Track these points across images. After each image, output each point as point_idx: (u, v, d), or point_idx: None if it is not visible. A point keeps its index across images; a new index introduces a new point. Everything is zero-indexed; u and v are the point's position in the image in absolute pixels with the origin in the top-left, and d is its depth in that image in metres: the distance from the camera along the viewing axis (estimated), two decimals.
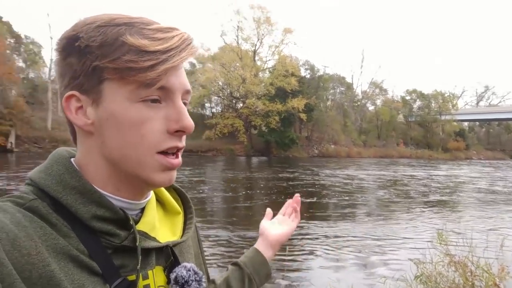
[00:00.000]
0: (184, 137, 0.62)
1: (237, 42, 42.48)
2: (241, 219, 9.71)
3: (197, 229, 0.84)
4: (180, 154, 0.62)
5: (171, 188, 0.77)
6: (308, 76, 46.92)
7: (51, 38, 34.14)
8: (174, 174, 0.62)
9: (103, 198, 0.58)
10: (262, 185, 16.06)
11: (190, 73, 40.47)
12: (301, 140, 41.74)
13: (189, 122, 0.59)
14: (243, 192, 13.98)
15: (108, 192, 0.60)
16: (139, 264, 0.59)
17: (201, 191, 13.65)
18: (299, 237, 7.37)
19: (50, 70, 34.08)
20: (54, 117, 31.06)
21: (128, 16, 0.59)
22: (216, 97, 42.69)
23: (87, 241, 0.56)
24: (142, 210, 0.65)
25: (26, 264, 0.49)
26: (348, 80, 55.87)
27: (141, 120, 0.57)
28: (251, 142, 38.48)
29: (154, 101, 0.57)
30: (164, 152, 0.59)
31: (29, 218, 0.53)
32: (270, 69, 42.72)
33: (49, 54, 34.96)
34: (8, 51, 30.14)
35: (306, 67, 48.13)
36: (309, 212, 10.12)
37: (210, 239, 7.30)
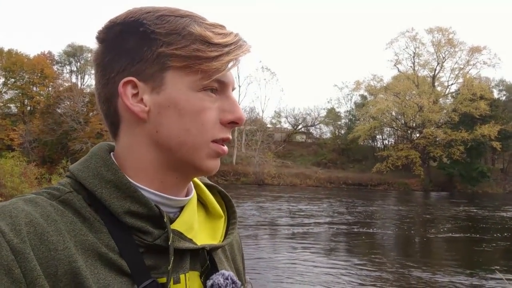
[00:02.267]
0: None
1: (413, 69, 40.31)
2: (414, 257, 9.09)
3: (241, 243, 0.83)
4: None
5: (215, 191, 0.75)
6: (503, 98, 40.46)
7: (239, 86, 39.92)
8: (219, 162, 0.63)
9: (138, 192, 0.57)
10: (444, 224, 14.48)
11: (360, 106, 40.31)
12: (494, 173, 35.72)
13: (243, 114, 0.62)
14: (418, 229, 12.92)
15: (148, 186, 0.60)
16: (170, 265, 0.56)
17: (370, 224, 13.32)
18: None
19: None
20: (238, 153, 35.74)
21: (186, 10, 0.62)
22: (388, 128, 40.91)
23: (119, 237, 0.55)
24: (182, 209, 0.64)
25: (52, 259, 0.48)
26: None
27: (202, 109, 0.58)
28: (429, 175, 35.02)
29: (213, 91, 0.60)
30: (220, 141, 0.61)
31: (61, 211, 0.53)
32: (453, 94, 38.76)
33: (237, 100, 40.64)
34: None
35: (501, 87, 41.80)
36: (505, 263, 8.70)
37: (368, 274, 7.15)
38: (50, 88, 39.60)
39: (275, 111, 46.42)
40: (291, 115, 45.82)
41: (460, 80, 38.74)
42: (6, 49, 35.61)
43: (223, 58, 0.58)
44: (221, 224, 0.70)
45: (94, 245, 0.53)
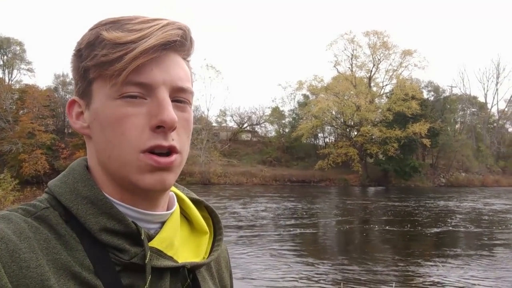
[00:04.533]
0: (172, 135, 0.56)
1: (351, 70, 42.14)
2: (356, 250, 9.55)
3: (229, 259, 0.80)
4: (175, 156, 0.57)
5: (202, 206, 0.72)
6: (431, 98, 43.68)
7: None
8: (168, 176, 0.56)
9: (114, 209, 0.55)
10: (378, 215, 15.38)
11: (303, 105, 41.47)
12: (424, 168, 38.46)
13: (168, 116, 0.54)
14: (357, 223, 13.61)
15: (122, 201, 0.57)
16: (147, 285, 0.54)
17: (314, 220, 13.78)
18: (429, 278, 6.99)
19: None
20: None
21: (124, 16, 0.58)
22: (329, 127, 42.56)
23: (95, 256, 0.53)
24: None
25: (23, 277, 0.46)
26: (481, 99, 49.87)
27: (120, 117, 0.54)
28: (367, 171, 36.97)
29: (133, 96, 0.54)
30: (151, 153, 0.55)
31: (35, 228, 0.51)
32: (388, 94, 41.02)
33: None
34: None
35: (429, 88, 44.94)
36: (437, 249, 9.41)
37: (315, 269, 7.39)
38: None
39: (220, 110, 46.05)
40: (237, 113, 45.83)
41: (394, 81, 40.76)
42: None
43: (125, 57, 0.53)
44: (206, 240, 0.68)
45: (67, 264, 0.50)
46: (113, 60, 0.53)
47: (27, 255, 0.48)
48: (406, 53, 40.53)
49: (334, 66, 42.60)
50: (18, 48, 38.91)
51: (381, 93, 42.52)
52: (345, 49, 42.04)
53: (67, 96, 36.51)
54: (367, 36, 41.25)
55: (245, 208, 17.33)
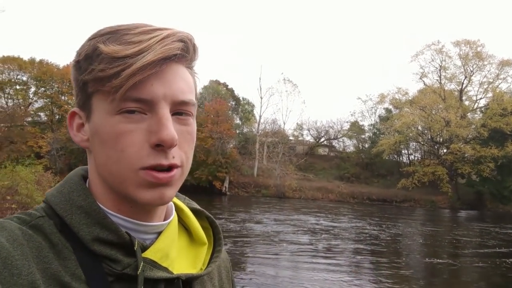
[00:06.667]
0: (172, 152, 0.54)
1: (440, 83, 39.25)
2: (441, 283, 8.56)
3: (231, 269, 0.78)
4: (176, 170, 0.55)
5: (203, 216, 0.71)
6: None
7: (261, 98, 39.96)
8: (168, 191, 0.55)
9: (107, 219, 0.55)
10: (473, 246, 13.73)
11: (385, 119, 39.48)
12: None
13: (168, 135, 0.52)
14: (448, 254, 12.26)
15: (117, 212, 0.57)
16: None
17: (395, 247, 12.75)
18: None
19: (258, 124, 39.47)
20: (259, 165, 35.53)
21: (124, 24, 0.56)
22: (414, 143, 39.82)
23: (87, 266, 0.52)
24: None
25: (14, 284, 0.46)
26: None
27: (119, 133, 0.53)
28: (457, 193, 33.71)
29: (131, 111, 0.53)
30: (151, 169, 0.54)
31: (28, 236, 0.51)
32: (482, 109, 37.42)
33: (259, 111, 40.59)
34: (229, 111, 36.97)
35: None
36: None
37: None
38: None
39: (297, 123, 45.92)
40: (314, 127, 45.34)
41: (490, 94, 37.37)
42: (38, 59, 36.75)
43: (122, 73, 0.51)
44: (204, 251, 0.68)
45: (58, 273, 0.50)
46: (110, 76, 0.51)
47: (19, 262, 0.48)
48: (505, 63, 36.80)
49: (420, 78, 40.15)
50: None
51: (475, 107, 39.07)
52: (433, 60, 39.41)
53: None
54: (457, 46, 38.26)
55: (318, 224, 16.68)
